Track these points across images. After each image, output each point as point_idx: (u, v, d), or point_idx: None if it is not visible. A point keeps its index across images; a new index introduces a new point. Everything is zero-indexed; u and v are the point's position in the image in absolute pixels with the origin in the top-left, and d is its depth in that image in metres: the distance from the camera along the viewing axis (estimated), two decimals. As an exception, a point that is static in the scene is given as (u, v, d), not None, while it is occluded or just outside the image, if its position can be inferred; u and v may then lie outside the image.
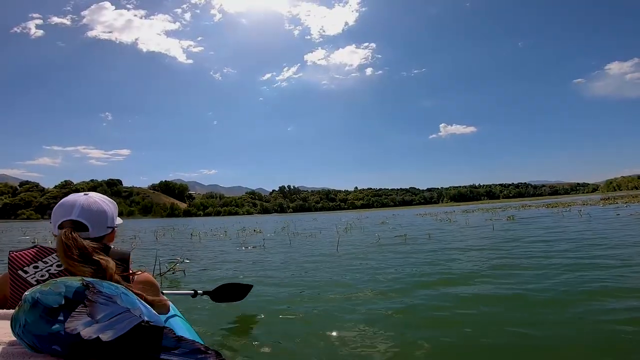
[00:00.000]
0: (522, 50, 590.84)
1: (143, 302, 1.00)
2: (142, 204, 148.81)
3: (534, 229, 9.24)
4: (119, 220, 1.35)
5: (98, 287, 0.91)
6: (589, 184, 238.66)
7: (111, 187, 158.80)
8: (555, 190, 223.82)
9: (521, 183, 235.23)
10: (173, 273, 4.72)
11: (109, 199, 1.31)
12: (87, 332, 0.83)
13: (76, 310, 0.86)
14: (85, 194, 1.25)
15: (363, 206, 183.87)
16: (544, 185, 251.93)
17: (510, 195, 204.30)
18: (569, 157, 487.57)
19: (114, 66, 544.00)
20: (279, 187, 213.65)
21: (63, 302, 0.86)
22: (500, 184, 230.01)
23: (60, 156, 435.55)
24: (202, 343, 0.98)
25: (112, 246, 1.24)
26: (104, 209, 1.23)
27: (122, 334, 0.85)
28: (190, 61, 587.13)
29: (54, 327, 0.83)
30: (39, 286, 0.90)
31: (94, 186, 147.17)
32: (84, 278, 0.94)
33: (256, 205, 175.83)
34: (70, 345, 0.83)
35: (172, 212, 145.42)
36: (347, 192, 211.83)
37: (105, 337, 0.83)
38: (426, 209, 49.23)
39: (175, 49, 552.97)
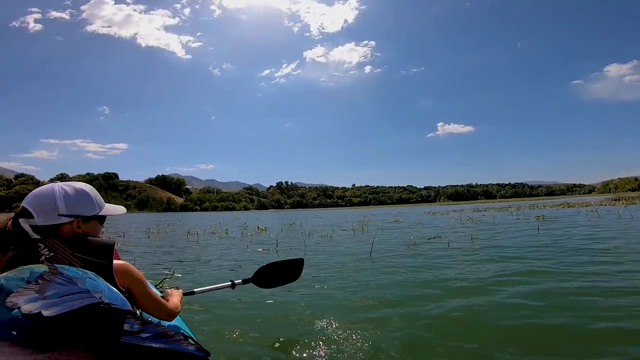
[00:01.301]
0: (521, 50, 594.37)
1: (112, 287, 0.93)
2: (138, 198, 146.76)
3: (590, 228, 8.08)
4: (109, 211, 1.19)
5: (61, 269, 0.88)
6: (585, 185, 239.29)
7: (107, 181, 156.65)
8: (551, 190, 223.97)
9: (518, 183, 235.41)
10: (161, 290, 3.38)
11: (82, 188, 1.14)
12: (28, 307, 0.78)
13: (24, 287, 0.83)
14: (56, 183, 1.14)
15: (360, 203, 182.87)
16: (540, 186, 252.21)
17: (507, 195, 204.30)
18: (565, 158, 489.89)
19: (112, 61, 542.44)
20: (277, 183, 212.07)
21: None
22: (497, 184, 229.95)
23: (57, 149, 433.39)
24: (194, 337, 0.90)
25: (98, 236, 1.12)
26: (53, 197, 1.07)
27: (68, 312, 0.80)
28: (189, 56, 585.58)
29: (14, 312, 0.81)
30: (5, 272, 0.88)
31: (89, 179, 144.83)
32: (51, 264, 0.90)
33: (253, 200, 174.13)
34: (26, 328, 0.80)
35: (169, 207, 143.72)
36: (344, 189, 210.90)
37: (48, 312, 0.78)
38: (429, 207, 48.25)
39: (174, 44, 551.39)
